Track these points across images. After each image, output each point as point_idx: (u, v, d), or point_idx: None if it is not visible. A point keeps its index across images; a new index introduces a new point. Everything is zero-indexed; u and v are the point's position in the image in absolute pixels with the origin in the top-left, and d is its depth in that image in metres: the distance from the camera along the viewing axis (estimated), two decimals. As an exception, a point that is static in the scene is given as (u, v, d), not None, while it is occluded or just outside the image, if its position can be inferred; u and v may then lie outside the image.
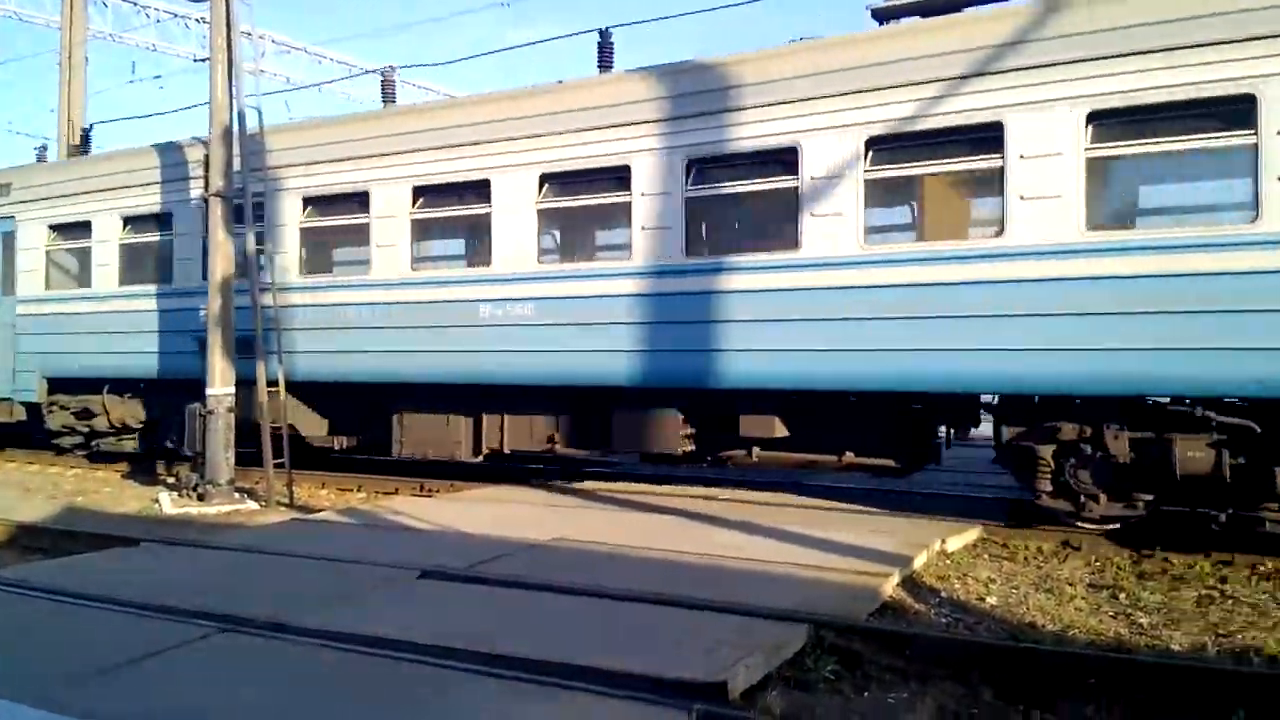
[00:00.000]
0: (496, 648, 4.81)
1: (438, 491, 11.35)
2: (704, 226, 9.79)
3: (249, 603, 5.80)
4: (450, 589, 6.28)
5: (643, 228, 9.48)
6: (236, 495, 10.95)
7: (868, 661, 5.09)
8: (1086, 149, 7.71)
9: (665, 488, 10.87)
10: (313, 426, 12.26)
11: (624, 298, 9.55)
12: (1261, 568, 7.29)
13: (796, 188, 8.79)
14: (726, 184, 9.36)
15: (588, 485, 11.19)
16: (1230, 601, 6.61)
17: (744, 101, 9.01)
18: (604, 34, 10.52)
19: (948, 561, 7.60)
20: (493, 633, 5.13)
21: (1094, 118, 7.70)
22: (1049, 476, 8.16)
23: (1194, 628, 6.02)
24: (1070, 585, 7.01)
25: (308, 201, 11.62)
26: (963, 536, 8.21)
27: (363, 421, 12.04)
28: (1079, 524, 8.16)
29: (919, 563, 7.21)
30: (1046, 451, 8.12)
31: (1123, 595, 6.75)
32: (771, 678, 4.79)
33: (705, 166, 9.33)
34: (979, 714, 4.60)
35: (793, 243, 8.81)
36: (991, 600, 6.62)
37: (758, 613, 5.38)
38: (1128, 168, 8.28)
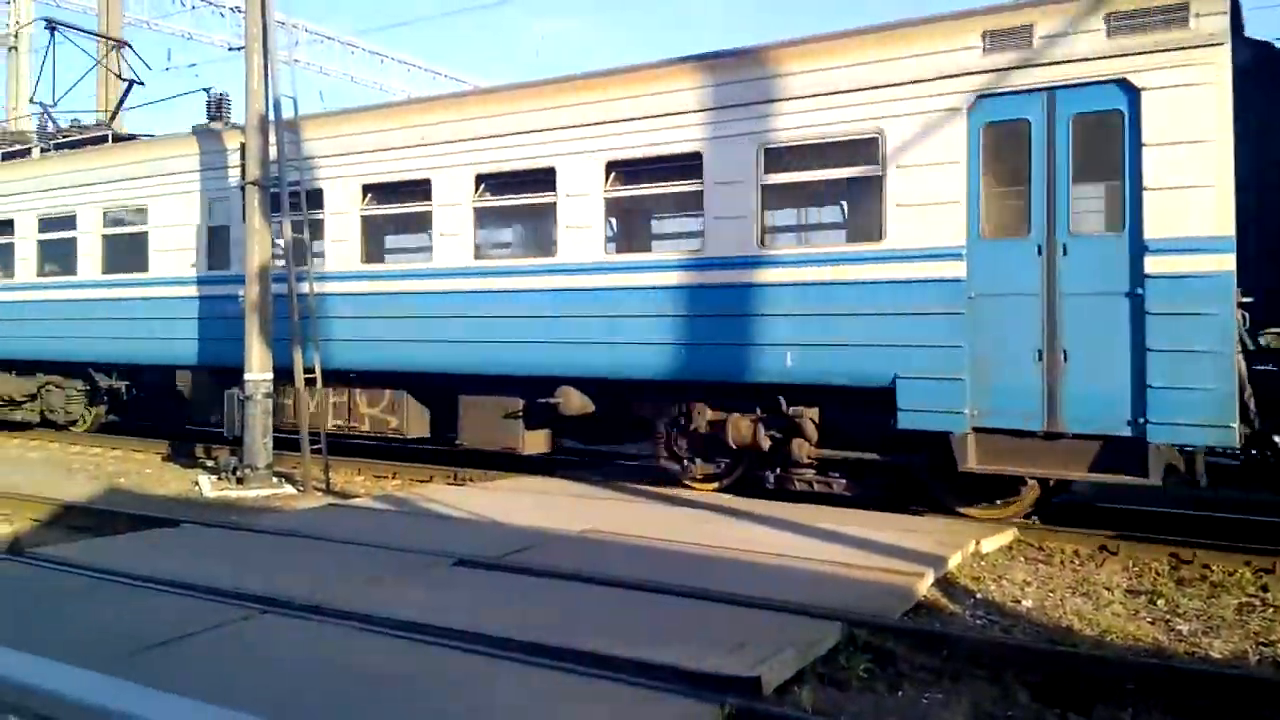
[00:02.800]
0: (530, 636, 4.85)
1: (471, 480, 11.44)
2: None
3: (288, 585, 5.90)
4: (484, 577, 6.34)
5: None
6: (274, 480, 11.10)
7: (901, 660, 5.08)
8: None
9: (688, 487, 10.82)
10: None
11: None
12: (1304, 577, 7.16)
13: None
14: None
15: (615, 480, 11.20)
16: (1271, 610, 6.50)
17: None
18: None
19: (982, 563, 7.54)
20: (525, 622, 5.17)
21: None
22: None
23: (1234, 636, 5.94)
24: (1108, 590, 6.93)
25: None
26: (997, 538, 8.12)
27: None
28: None
29: (953, 563, 7.16)
30: None
31: (1161, 601, 6.66)
32: (805, 674, 4.79)
33: None
34: (1015, 716, 4.58)
35: None
36: (1027, 603, 6.56)
37: (790, 609, 5.38)
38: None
